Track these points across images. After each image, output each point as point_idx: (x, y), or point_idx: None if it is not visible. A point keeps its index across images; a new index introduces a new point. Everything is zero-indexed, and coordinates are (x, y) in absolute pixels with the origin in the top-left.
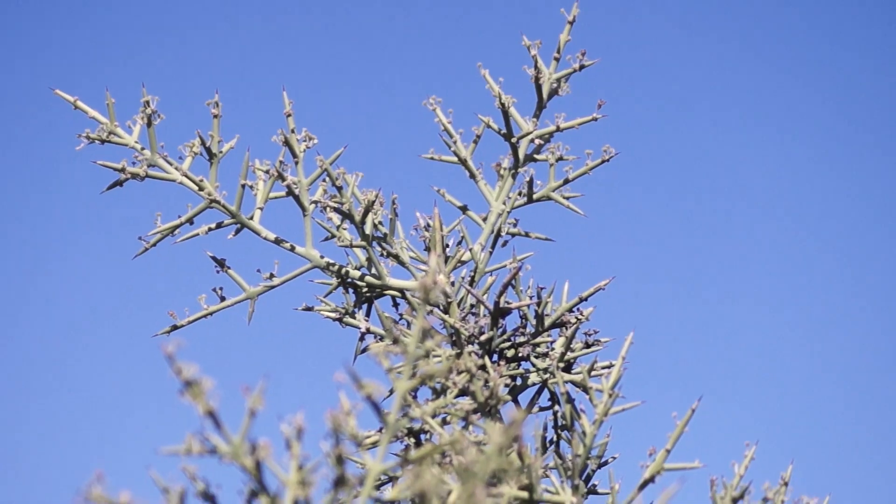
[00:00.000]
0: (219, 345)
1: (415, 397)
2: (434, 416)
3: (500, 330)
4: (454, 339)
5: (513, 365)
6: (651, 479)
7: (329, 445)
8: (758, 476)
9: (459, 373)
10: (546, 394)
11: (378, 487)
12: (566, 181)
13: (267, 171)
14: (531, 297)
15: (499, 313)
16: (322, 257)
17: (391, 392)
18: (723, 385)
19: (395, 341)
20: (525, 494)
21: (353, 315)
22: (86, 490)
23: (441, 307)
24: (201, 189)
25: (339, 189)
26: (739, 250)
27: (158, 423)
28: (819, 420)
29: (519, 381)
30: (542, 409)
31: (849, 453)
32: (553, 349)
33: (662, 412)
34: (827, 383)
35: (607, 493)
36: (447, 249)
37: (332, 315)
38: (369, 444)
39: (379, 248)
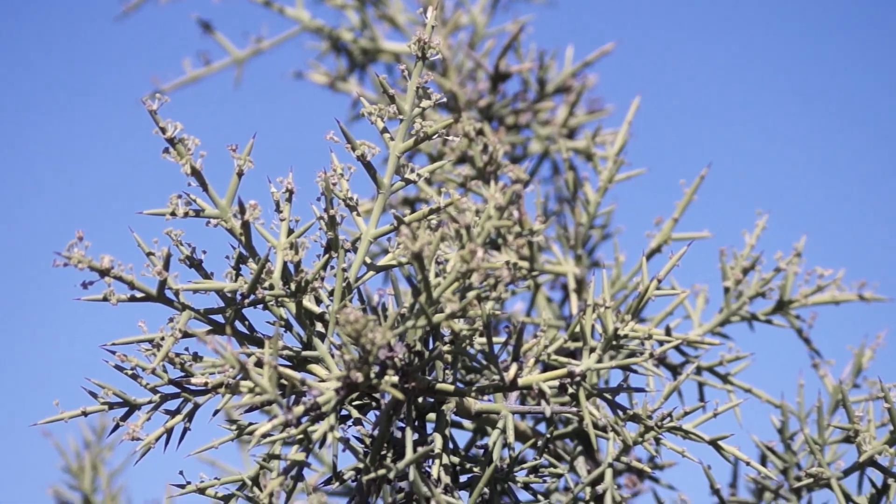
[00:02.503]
0: (205, 112)
1: (412, 169)
2: (430, 183)
3: (500, 96)
4: (452, 104)
5: (513, 132)
6: (657, 249)
7: (321, 208)
8: (770, 247)
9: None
10: (548, 165)
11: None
12: None
13: None
14: (533, 62)
15: (498, 78)
16: (313, 19)
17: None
18: (733, 154)
19: (392, 99)
20: (525, 264)
21: (345, 80)
22: (66, 251)
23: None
24: None
25: None
26: (751, 13)
27: (142, 188)
28: (834, 191)
29: (520, 151)
30: (542, 181)
31: (865, 225)
32: (555, 116)
33: (669, 183)
34: (844, 152)
35: (611, 266)
36: (444, 11)
37: (324, 80)
38: (363, 210)
39: (373, 10)
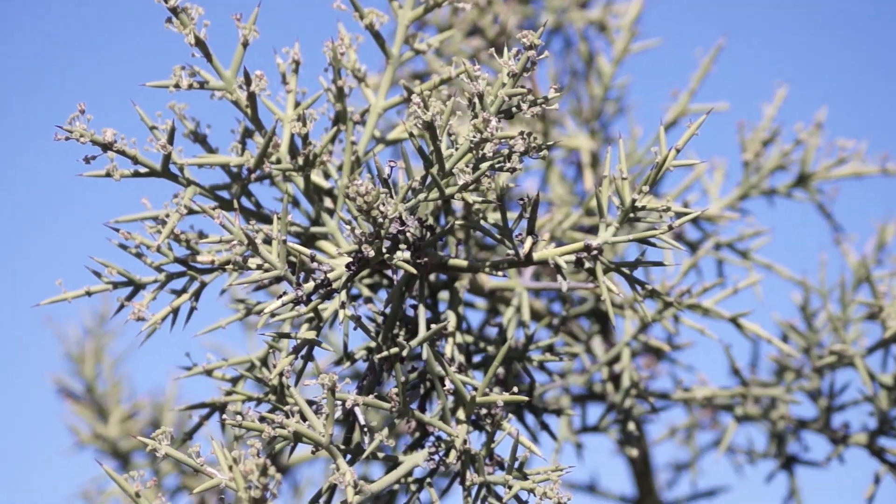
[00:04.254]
0: None
1: (421, 39)
2: (440, 55)
3: None
4: None
5: (524, 3)
6: (674, 122)
7: (328, 80)
8: (789, 119)
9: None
10: (559, 41)
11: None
12: None
13: None
14: None
15: None
16: None
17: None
18: (751, 24)
19: None
20: (539, 135)
21: None
22: (67, 125)
23: None
24: None
25: None
26: None
27: (145, 61)
28: (856, 62)
29: (530, 26)
30: (554, 56)
31: (888, 96)
32: None
33: (685, 56)
34: (867, 21)
35: (627, 141)
36: None
37: None
38: (372, 84)
39: None
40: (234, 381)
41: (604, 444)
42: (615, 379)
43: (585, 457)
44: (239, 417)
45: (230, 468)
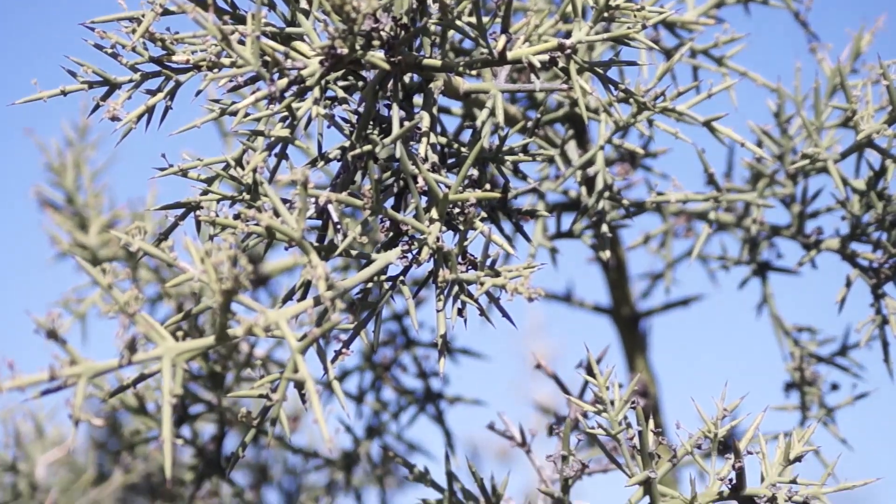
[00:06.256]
0: None
1: None
2: None
3: None
4: None
5: None
6: None
7: None
8: None
9: None
10: None
11: None
12: None
13: None
14: None
15: None
16: None
17: None
18: None
19: None
20: None
21: None
22: None
23: None
24: None
25: None
26: None
27: None
28: None
29: None
30: None
31: None
32: None
33: None
34: None
35: None
36: None
37: None
38: None
39: None
40: (210, 181)
41: (579, 254)
42: (589, 182)
43: (560, 269)
44: (213, 215)
45: (202, 261)
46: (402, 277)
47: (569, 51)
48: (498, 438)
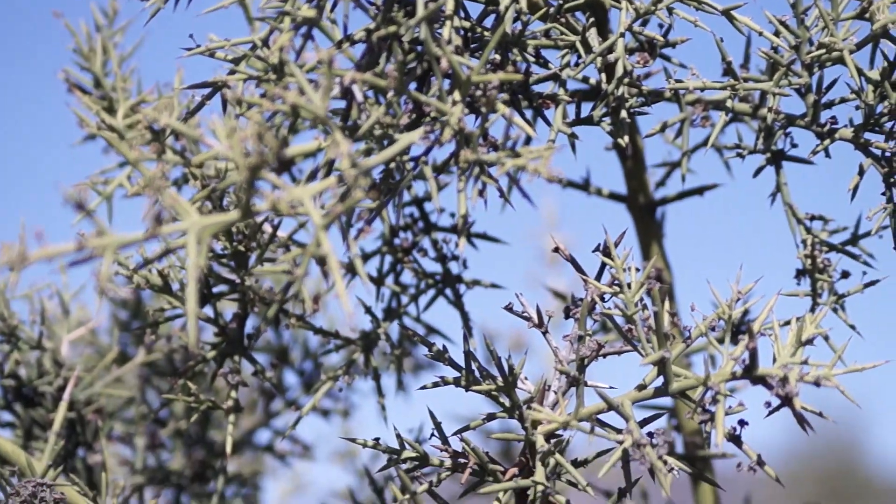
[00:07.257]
0: None
1: None
2: None
3: None
4: None
5: None
6: None
7: None
8: None
9: None
10: None
11: None
12: None
13: None
14: None
15: None
16: None
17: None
18: None
19: None
20: None
21: None
22: None
23: None
24: None
25: None
26: None
27: None
28: None
29: None
30: None
31: None
32: None
33: None
34: None
35: None
36: None
37: None
38: None
39: None
40: (236, 61)
41: (598, 143)
42: (609, 69)
43: (579, 160)
44: (239, 93)
45: (228, 137)
46: (424, 158)
47: None
48: (512, 328)
